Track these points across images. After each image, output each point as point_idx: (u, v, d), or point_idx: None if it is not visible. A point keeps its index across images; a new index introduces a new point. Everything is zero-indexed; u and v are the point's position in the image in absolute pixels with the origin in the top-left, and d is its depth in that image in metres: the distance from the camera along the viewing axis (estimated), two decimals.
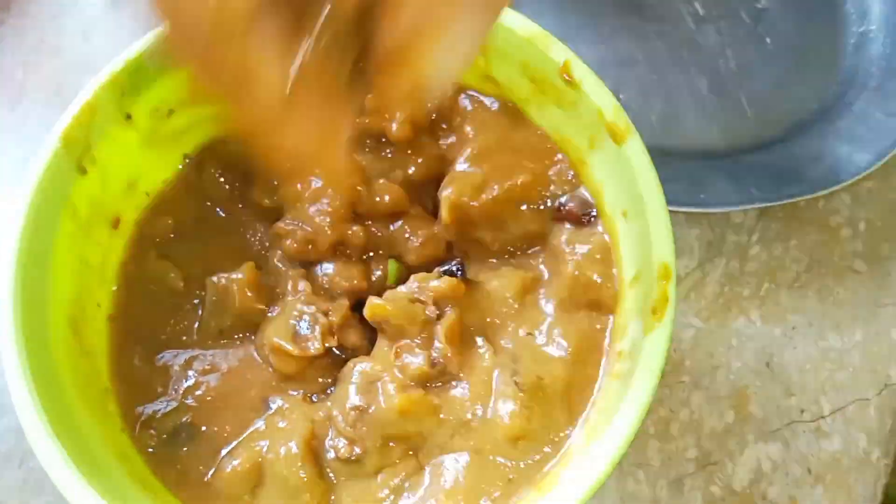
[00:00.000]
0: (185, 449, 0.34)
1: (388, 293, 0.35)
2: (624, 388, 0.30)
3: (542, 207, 0.37)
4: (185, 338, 0.36)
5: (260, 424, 0.34)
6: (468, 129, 0.38)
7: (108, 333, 0.36)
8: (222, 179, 0.39)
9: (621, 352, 0.33)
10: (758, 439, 0.43)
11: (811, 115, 0.51)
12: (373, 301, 0.34)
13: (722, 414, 0.43)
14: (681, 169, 0.46)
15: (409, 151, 0.38)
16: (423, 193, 0.39)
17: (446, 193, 0.36)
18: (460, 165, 0.38)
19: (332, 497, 0.33)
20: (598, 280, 0.35)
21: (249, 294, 0.36)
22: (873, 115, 0.48)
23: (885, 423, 0.44)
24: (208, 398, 0.35)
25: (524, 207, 0.37)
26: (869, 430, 0.43)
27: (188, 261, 0.37)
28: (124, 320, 0.36)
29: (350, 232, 0.36)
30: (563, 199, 0.37)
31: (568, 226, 0.37)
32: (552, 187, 0.37)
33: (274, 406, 0.35)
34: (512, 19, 0.35)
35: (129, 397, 0.35)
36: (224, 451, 0.33)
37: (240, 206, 0.39)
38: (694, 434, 0.43)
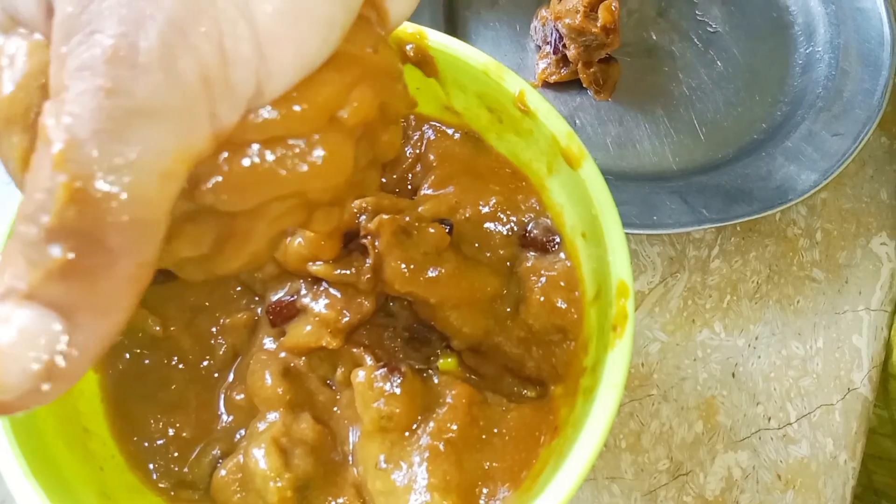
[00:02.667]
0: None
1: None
2: (589, 403, 0.31)
3: (509, 233, 0.38)
4: (174, 386, 0.36)
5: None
6: (431, 156, 0.39)
7: (97, 384, 0.36)
8: None
9: (585, 367, 0.33)
10: (727, 448, 0.43)
11: (760, 136, 0.52)
12: None
13: (691, 425, 0.44)
14: (635, 191, 0.47)
15: None
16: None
17: (421, 210, 0.37)
18: (426, 191, 0.38)
19: None
20: (563, 306, 0.36)
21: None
22: (819, 134, 0.49)
23: (850, 426, 0.44)
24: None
25: (494, 231, 0.38)
26: (835, 434, 0.44)
27: (166, 304, 0.37)
28: (110, 371, 0.36)
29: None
30: (528, 227, 0.38)
31: (533, 252, 0.37)
32: (518, 213, 0.38)
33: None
34: (468, 51, 0.36)
35: (138, 455, 0.35)
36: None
37: None
38: (665, 445, 0.43)
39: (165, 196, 0.16)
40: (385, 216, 0.35)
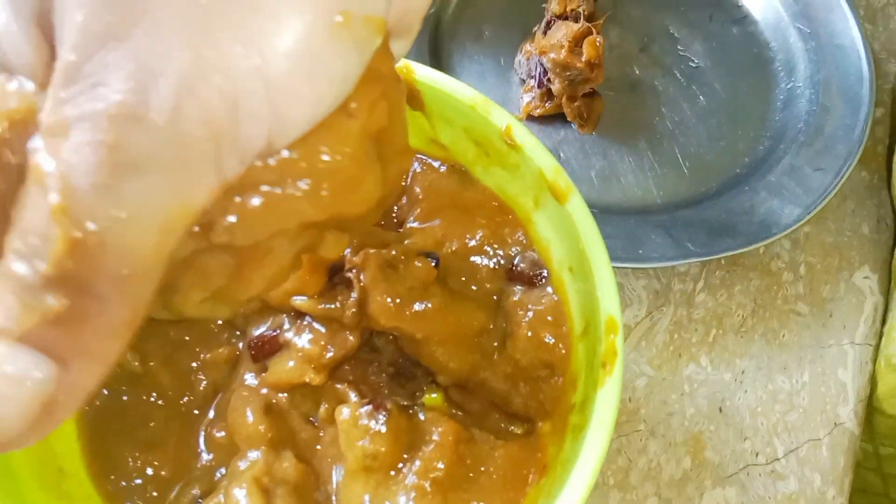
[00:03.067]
0: None
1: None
2: (579, 441, 0.30)
3: (495, 267, 0.38)
4: (152, 424, 0.36)
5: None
6: (417, 189, 0.39)
7: (74, 422, 0.35)
8: None
9: (574, 404, 0.33)
10: (715, 484, 0.43)
11: (744, 170, 0.52)
12: None
13: (679, 461, 0.43)
14: (620, 225, 0.47)
15: None
16: None
17: (407, 243, 0.37)
18: (412, 224, 0.38)
19: None
20: (550, 341, 0.35)
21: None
22: (802, 169, 0.50)
23: (837, 461, 0.44)
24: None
25: (481, 265, 0.37)
26: (823, 469, 0.44)
27: (145, 339, 0.37)
28: (88, 408, 0.35)
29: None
30: (515, 261, 0.37)
31: (520, 287, 0.37)
32: (505, 247, 0.38)
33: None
34: (454, 85, 0.36)
35: (116, 495, 0.34)
36: None
37: None
38: (653, 482, 0.42)
39: (164, 248, 0.16)
40: (371, 250, 0.35)
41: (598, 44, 0.48)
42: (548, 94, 0.52)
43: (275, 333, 0.36)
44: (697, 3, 0.60)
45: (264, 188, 0.18)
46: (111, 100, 0.15)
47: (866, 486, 0.57)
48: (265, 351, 0.36)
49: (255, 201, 0.18)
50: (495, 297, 0.37)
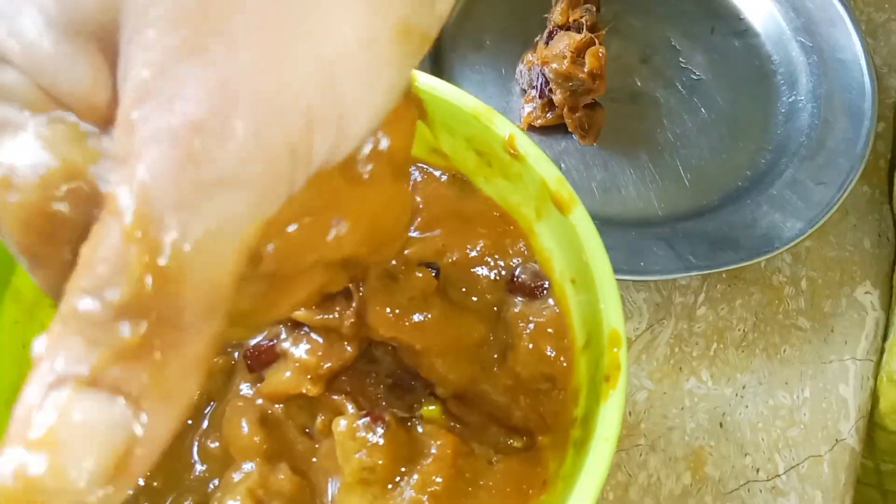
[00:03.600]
0: None
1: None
2: (581, 456, 0.29)
3: (496, 278, 0.37)
4: None
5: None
6: (418, 198, 0.38)
7: None
8: None
9: (576, 418, 0.32)
10: (716, 500, 0.42)
11: (745, 183, 0.51)
12: None
13: (679, 476, 0.42)
14: (621, 237, 0.46)
15: None
16: None
17: (407, 253, 0.36)
18: (412, 234, 0.37)
19: None
20: (552, 353, 0.35)
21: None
22: (804, 183, 0.49)
23: (839, 478, 0.43)
24: None
25: (481, 276, 0.37)
26: (824, 486, 0.43)
27: None
28: None
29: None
30: (516, 272, 0.37)
31: (521, 298, 0.36)
32: (506, 258, 0.37)
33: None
34: (457, 94, 0.35)
35: None
36: None
37: None
38: (653, 498, 0.42)
39: (238, 265, 0.16)
40: None
41: (600, 55, 0.47)
42: (549, 105, 0.51)
43: (271, 343, 0.36)
44: (699, 15, 0.60)
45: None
46: (190, 113, 0.14)
47: (867, 502, 0.56)
48: (261, 361, 0.36)
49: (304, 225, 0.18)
50: (496, 309, 0.37)
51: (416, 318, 0.34)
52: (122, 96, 0.15)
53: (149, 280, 0.14)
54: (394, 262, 0.34)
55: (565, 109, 0.51)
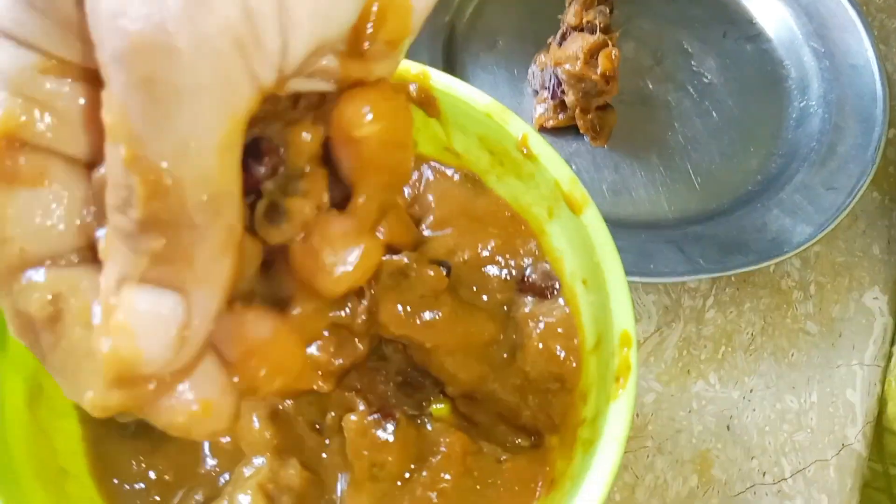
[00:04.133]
0: None
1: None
2: (589, 456, 0.29)
3: (507, 278, 0.37)
4: (155, 432, 0.35)
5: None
6: (430, 197, 0.38)
7: (78, 422, 0.34)
8: None
9: (584, 418, 0.32)
10: (722, 503, 0.42)
11: (756, 187, 0.51)
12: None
13: (686, 478, 0.42)
14: (631, 239, 0.46)
15: None
16: None
17: (419, 251, 0.36)
18: (424, 232, 0.37)
19: None
20: (561, 354, 0.35)
21: None
22: (814, 187, 0.49)
23: (845, 483, 0.43)
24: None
25: (492, 275, 0.37)
26: (830, 490, 0.43)
27: None
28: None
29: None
30: (527, 272, 0.37)
31: (531, 298, 0.36)
32: (517, 257, 0.37)
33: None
34: (470, 93, 0.35)
35: (118, 498, 0.34)
36: None
37: None
38: (659, 499, 0.42)
39: (230, 164, 0.17)
40: (382, 257, 0.34)
41: (613, 56, 0.47)
42: (561, 106, 0.51)
43: None
44: (711, 19, 0.60)
45: None
46: (131, 31, 0.15)
47: None
48: None
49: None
50: (506, 308, 0.37)
51: (427, 316, 0.34)
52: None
53: (154, 197, 0.16)
54: (405, 259, 0.34)
55: (577, 111, 0.51)
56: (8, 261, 0.19)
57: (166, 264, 0.17)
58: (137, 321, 0.17)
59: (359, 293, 0.35)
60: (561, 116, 0.52)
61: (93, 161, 0.19)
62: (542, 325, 0.35)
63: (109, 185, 0.17)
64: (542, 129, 0.53)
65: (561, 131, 0.53)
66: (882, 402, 0.47)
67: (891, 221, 0.52)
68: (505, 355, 0.36)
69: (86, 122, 0.19)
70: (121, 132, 0.16)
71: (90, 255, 0.19)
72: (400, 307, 0.34)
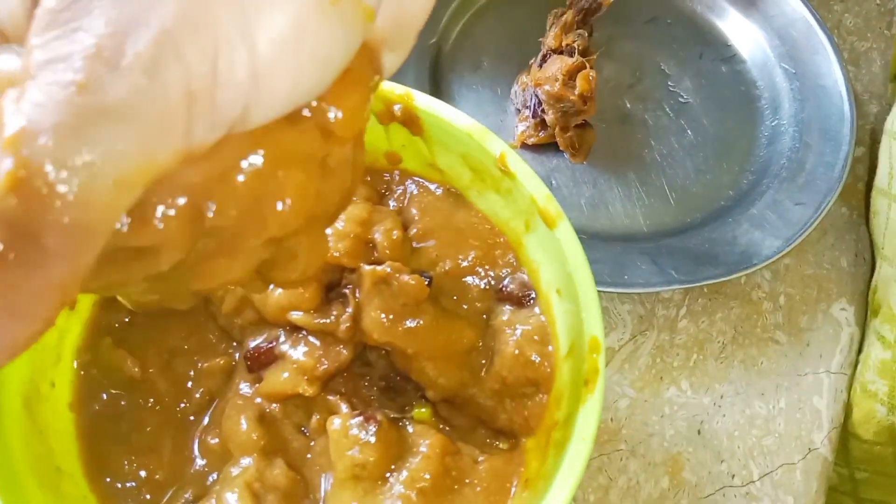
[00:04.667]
0: None
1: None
2: (560, 455, 0.31)
3: (486, 287, 0.38)
4: (148, 428, 0.36)
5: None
6: (413, 210, 0.40)
7: (73, 424, 0.35)
8: None
9: (557, 421, 0.33)
10: None
11: (728, 202, 0.53)
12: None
13: (658, 480, 0.44)
14: (607, 251, 0.48)
15: None
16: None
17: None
18: (415, 244, 0.39)
19: None
20: (537, 359, 0.36)
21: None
22: (783, 203, 0.51)
23: (811, 485, 0.45)
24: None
25: (472, 284, 0.38)
26: (796, 493, 0.44)
27: (145, 346, 0.37)
28: (86, 411, 0.36)
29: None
30: (505, 282, 0.38)
31: (508, 306, 0.38)
32: (495, 268, 0.39)
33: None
34: (452, 114, 0.37)
35: (111, 496, 0.35)
36: None
37: None
38: (632, 500, 0.43)
39: (116, 206, 0.15)
40: (366, 266, 0.36)
41: (591, 78, 0.49)
42: (542, 124, 0.53)
43: (271, 345, 0.37)
44: (688, 41, 0.62)
45: (242, 171, 0.18)
46: (87, 43, 0.15)
47: None
48: (261, 362, 0.37)
49: (241, 178, 0.18)
50: (485, 316, 0.38)
51: (409, 323, 0.35)
52: (32, 22, 0.15)
53: (15, 195, 0.14)
54: (388, 269, 0.35)
55: (557, 129, 0.52)
56: None
57: None
58: None
59: (343, 301, 0.36)
60: (542, 134, 0.53)
61: None
62: (518, 333, 0.37)
63: None
64: (524, 146, 0.54)
65: (542, 148, 0.54)
66: (848, 408, 0.48)
67: (858, 235, 0.54)
68: (483, 361, 0.37)
69: None
70: (18, 119, 0.14)
71: None
72: (383, 315, 0.35)
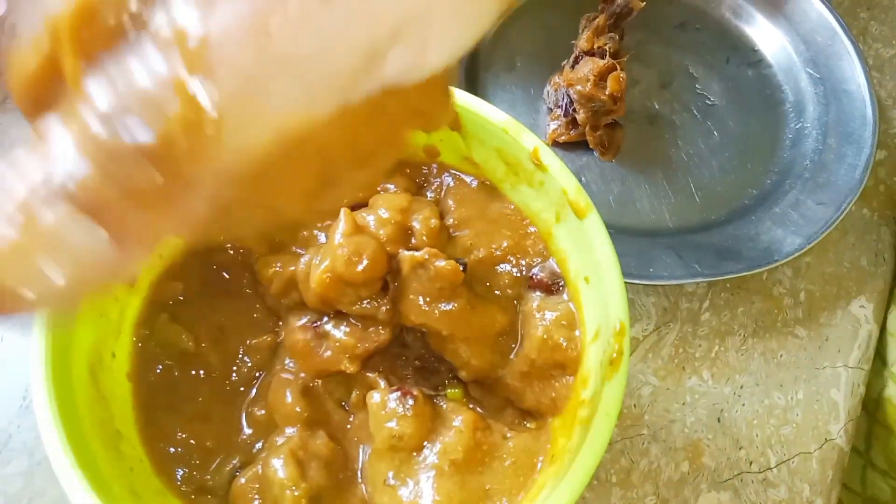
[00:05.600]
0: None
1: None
2: (585, 431, 0.32)
3: (518, 274, 0.40)
4: (200, 399, 0.38)
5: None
6: (450, 202, 0.41)
7: (130, 392, 0.37)
8: (228, 245, 0.41)
9: (584, 400, 0.35)
10: (710, 488, 0.44)
11: (751, 201, 0.54)
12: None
13: (678, 464, 0.45)
14: (633, 245, 0.49)
15: None
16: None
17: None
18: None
19: None
20: (564, 343, 0.37)
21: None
22: (805, 203, 0.52)
23: (826, 474, 0.46)
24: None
25: (504, 272, 0.40)
26: (812, 480, 0.45)
27: (198, 322, 0.39)
28: (143, 380, 0.38)
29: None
30: (535, 270, 0.40)
31: (538, 293, 0.39)
32: (527, 257, 0.40)
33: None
34: (489, 110, 0.38)
35: (164, 460, 0.36)
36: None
37: (244, 270, 0.41)
38: (653, 482, 0.44)
39: (266, 156, 0.15)
40: (405, 252, 0.37)
41: (621, 79, 0.50)
42: (573, 123, 0.54)
43: (315, 326, 0.39)
44: (716, 46, 0.63)
45: None
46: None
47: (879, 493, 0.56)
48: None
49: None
50: (515, 302, 0.40)
51: (444, 307, 0.37)
52: None
53: (186, 133, 0.14)
54: (426, 255, 0.37)
55: (587, 128, 0.54)
56: None
57: (128, 204, 0.14)
58: (52, 242, 0.15)
59: (384, 286, 0.38)
60: (572, 132, 0.55)
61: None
62: (548, 318, 0.38)
63: (120, 88, 0.14)
64: (555, 144, 0.56)
65: (572, 146, 0.55)
66: (887, 405, 0.48)
67: (878, 236, 0.55)
68: (513, 345, 0.39)
69: None
70: (198, 59, 0.14)
71: None
72: (420, 298, 0.37)
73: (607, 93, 0.50)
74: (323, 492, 0.35)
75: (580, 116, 0.53)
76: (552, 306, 0.38)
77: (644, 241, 0.49)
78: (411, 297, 0.37)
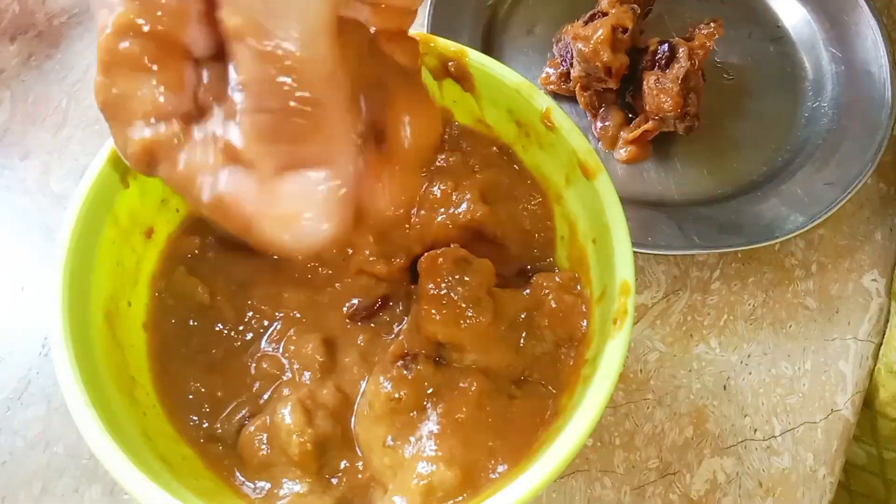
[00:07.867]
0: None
1: None
2: (587, 387, 0.32)
3: (537, 236, 0.40)
4: (213, 350, 0.38)
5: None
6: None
7: (145, 341, 0.37)
8: None
9: (587, 359, 0.34)
10: (714, 453, 0.44)
11: (759, 178, 0.52)
12: None
13: (682, 429, 0.44)
14: (635, 213, 0.48)
15: None
16: None
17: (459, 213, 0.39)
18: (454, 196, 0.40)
19: None
20: (571, 306, 0.37)
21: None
22: (813, 182, 0.50)
23: (831, 444, 0.45)
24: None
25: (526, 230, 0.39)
26: (816, 450, 0.44)
27: (215, 276, 0.39)
28: (158, 330, 0.38)
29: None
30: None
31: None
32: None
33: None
34: (502, 70, 0.37)
35: (176, 408, 0.36)
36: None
37: None
38: (656, 446, 0.44)
39: (333, 50, 0.19)
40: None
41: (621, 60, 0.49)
42: (567, 76, 0.53)
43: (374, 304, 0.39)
44: (739, 20, 0.61)
45: None
46: None
47: (870, 490, 0.57)
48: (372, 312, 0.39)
49: None
50: (529, 268, 0.39)
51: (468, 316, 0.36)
52: None
53: (289, 80, 0.18)
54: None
55: (578, 87, 0.52)
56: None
57: (305, 144, 0.19)
58: (298, 204, 0.19)
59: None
60: (563, 86, 0.53)
61: (201, 57, 0.21)
62: (557, 280, 0.37)
63: (244, 85, 0.18)
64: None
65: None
66: (874, 388, 0.48)
67: (894, 211, 0.53)
68: (523, 315, 0.38)
69: (199, 21, 0.20)
70: (248, 28, 0.18)
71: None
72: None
73: (604, 60, 0.49)
74: (329, 441, 0.35)
75: (574, 72, 0.52)
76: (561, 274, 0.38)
77: (647, 212, 0.48)
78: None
